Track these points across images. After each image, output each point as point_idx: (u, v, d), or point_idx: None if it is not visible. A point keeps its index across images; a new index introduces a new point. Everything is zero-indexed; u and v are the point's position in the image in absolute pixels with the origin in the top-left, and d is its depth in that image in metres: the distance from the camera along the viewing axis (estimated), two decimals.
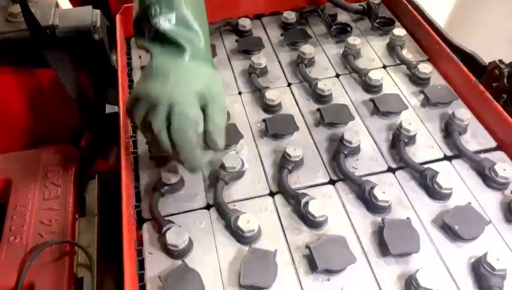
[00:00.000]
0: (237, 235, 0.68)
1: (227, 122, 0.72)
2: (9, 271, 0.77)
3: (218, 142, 0.66)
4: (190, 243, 0.67)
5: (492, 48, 0.80)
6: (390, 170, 0.78)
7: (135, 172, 0.79)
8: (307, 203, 0.69)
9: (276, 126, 0.84)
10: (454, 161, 0.79)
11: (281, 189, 0.75)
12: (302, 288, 0.63)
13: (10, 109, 1.01)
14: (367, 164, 0.79)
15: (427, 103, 0.89)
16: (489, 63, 0.93)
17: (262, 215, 0.71)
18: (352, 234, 0.69)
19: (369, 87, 0.92)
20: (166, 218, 0.70)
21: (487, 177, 0.75)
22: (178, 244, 0.65)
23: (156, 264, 0.66)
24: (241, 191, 0.76)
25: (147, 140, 0.74)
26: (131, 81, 0.98)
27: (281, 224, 0.71)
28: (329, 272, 0.64)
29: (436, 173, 0.73)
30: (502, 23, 0.95)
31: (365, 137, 0.83)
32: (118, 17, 1.04)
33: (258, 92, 0.92)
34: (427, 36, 1.00)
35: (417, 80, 0.94)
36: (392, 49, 1.02)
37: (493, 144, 0.82)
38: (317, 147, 0.82)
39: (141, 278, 0.65)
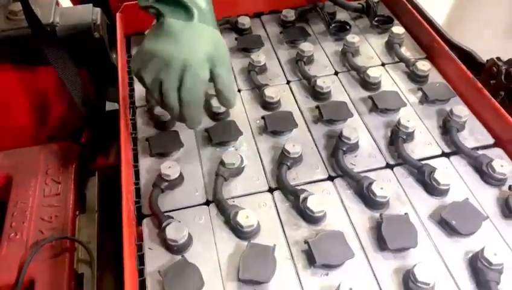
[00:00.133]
0: (236, 230, 0.69)
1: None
2: (9, 267, 0.77)
3: (231, 99, 0.72)
4: (189, 238, 0.67)
5: (490, 46, 0.81)
6: (389, 166, 0.79)
7: (135, 168, 0.80)
8: (305, 198, 0.70)
9: (275, 123, 0.84)
10: (452, 158, 0.80)
11: (279, 185, 0.76)
12: (300, 283, 0.64)
13: (10, 106, 1.02)
14: (365, 160, 0.80)
15: (425, 100, 0.90)
16: (487, 60, 0.94)
17: (261, 211, 0.72)
18: (351, 229, 0.70)
19: (368, 84, 0.93)
20: (166, 214, 0.71)
21: (485, 173, 0.75)
22: (177, 239, 0.65)
23: (156, 259, 0.67)
24: (240, 187, 0.76)
25: (150, 97, 0.75)
26: (131, 78, 0.99)
27: (280, 220, 0.71)
28: (328, 267, 0.64)
29: (434, 169, 0.74)
30: (501, 21, 0.95)
31: (364, 134, 0.84)
32: (118, 15, 1.05)
33: (257, 90, 0.93)
34: (426, 34, 1.00)
35: (415, 78, 0.94)
36: (390, 47, 1.02)
37: (491, 140, 0.82)
38: (316, 144, 0.83)
39: (141, 273, 0.65)
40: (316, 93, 0.91)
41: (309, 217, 0.69)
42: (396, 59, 1.00)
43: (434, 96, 0.89)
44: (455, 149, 0.80)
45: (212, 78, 0.69)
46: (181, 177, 0.76)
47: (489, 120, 0.85)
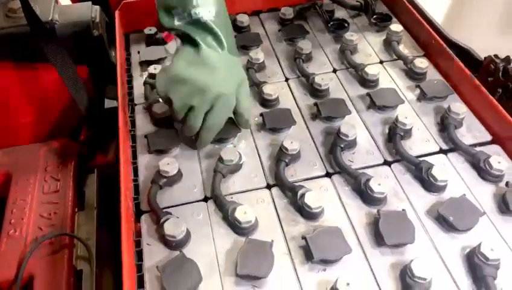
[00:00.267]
0: (234, 226, 0.69)
1: None
2: (9, 263, 0.78)
3: (249, 121, 0.79)
4: (188, 234, 0.68)
5: (488, 43, 0.81)
6: (386, 163, 0.79)
7: (134, 165, 0.80)
8: (303, 195, 0.70)
9: (274, 120, 0.85)
10: (449, 154, 0.80)
11: (277, 182, 0.76)
12: (298, 278, 0.64)
13: (10, 104, 1.02)
14: (363, 157, 0.80)
15: (423, 97, 0.90)
16: (485, 58, 0.94)
17: (259, 208, 0.72)
18: (348, 225, 0.70)
19: (366, 82, 0.93)
20: (165, 210, 0.71)
21: (482, 169, 0.75)
22: (176, 235, 0.66)
23: (154, 255, 0.67)
24: (238, 183, 0.76)
25: (173, 115, 0.76)
26: (130, 76, 0.99)
27: (278, 216, 0.71)
28: (325, 262, 0.64)
29: (432, 165, 0.74)
30: (499, 18, 0.96)
31: (362, 131, 0.84)
32: (117, 13, 1.05)
33: (255, 87, 0.93)
34: (424, 32, 1.01)
35: (413, 75, 0.94)
36: (388, 44, 1.03)
37: (488, 137, 0.83)
38: (314, 141, 0.83)
39: (139, 268, 0.66)
40: (314, 91, 0.91)
41: (307, 213, 0.70)
42: (395, 57, 1.00)
43: (432, 94, 0.89)
44: (453, 146, 0.81)
45: (236, 103, 0.75)
46: (179, 174, 0.76)
47: (487, 117, 0.85)
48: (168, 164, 0.75)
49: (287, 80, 0.97)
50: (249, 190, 0.76)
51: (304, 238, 0.65)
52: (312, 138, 0.84)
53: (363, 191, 0.72)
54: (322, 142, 0.83)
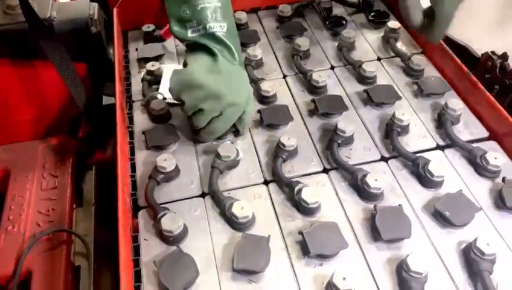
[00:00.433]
0: (231, 221, 0.69)
1: None
2: (7, 259, 0.78)
3: (248, 127, 0.84)
4: (185, 229, 0.68)
5: (486, 40, 0.81)
6: (383, 159, 0.79)
7: (131, 161, 0.80)
8: (300, 190, 0.70)
9: (271, 116, 0.85)
10: (446, 150, 0.80)
11: (275, 177, 0.76)
12: (294, 273, 0.64)
13: (8, 101, 1.02)
14: (360, 153, 0.80)
15: (420, 93, 0.90)
16: (482, 54, 0.94)
17: (256, 203, 0.72)
18: (345, 220, 0.70)
19: (364, 78, 0.93)
20: (162, 206, 0.71)
21: (478, 165, 0.76)
22: (173, 230, 0.66)
23: (151, 250, 0.67)
24: (235, 179, 0.77)
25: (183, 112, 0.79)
26: (128, 73, 1.00)
27: (275, 211, 0.72)
28: (322, 257, 0.65)
29: (428, 161, 0.74)
30: (496, 16, 0.96)
31: (359, 127, 0.84)
32: (115, 11, 1.05)
33: (253, 84, 0.93)
34: None
35: (411, 72, 0.95)
36: (386, 41, 1.03)
37: (485, 133, 0.83)
38: (311, 137, 0.83)
39: (136, 263, 0.66)
40: (312, 87, 0.91)
41: (303, 209, 0.70)
42: (392, 54, 1.00)
43: (429, 90, 0.89)
44: (450, 142, 0.81)
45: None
46: (177, 170, 0.77)
47: (484, 114, 0.85)
48: (166, 160, 0.75)
49: (284, 76, 0.97)
50: (246, 186, 0.76)
51: (300, 233, 0.65)
52: (309, 134, 0.84)
53: (359, 187, 0.72)
54: (319, 139, 0.83)
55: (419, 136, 0.83)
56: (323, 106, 0.86)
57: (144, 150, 0.82)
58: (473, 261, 0.63)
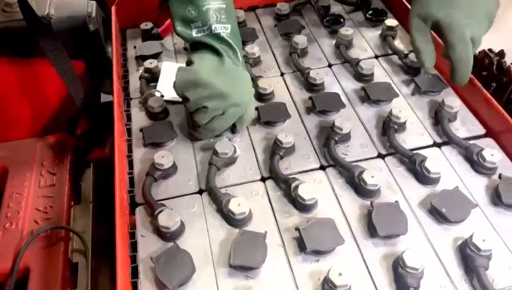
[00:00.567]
0: (228, 218, 0.69)
1: None
2: (5, 256, 0.78)
3: (245, 127, 0.84)
4: (182, 225, 0.68)
5: (483, 37, 0.81)
6: (380, 156, 0.79)
7: (129, 158, 0.81)
8: (296, 187, 0.70)
9: (269, 114, 0.85)
10: (443, 148, 0.80)
11: (272, 174, 0.76)
12: (291, 269, 0.64)
13: (6, 98, 1.02)
14: (357, 150, 0.80)
15: (417, 91, 0.90)
16: (479, 52, 0.94)
17: (253, 200, 0.73)
18: (342, 217, 0.70)
19: (361, 76, 0.93)
20: (159, 202, 0.71)
21: (475, 162, 0.76)
22: (170, 227, 0.66)
23: (149, 246, 0.67)
24: (233, 176, 0.77)
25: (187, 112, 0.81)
26: (126, 71, 1.00)
27: (272, 208, 0.72)
28: (318, 253, 0.65)
29: (425, 158, 0.74)
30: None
31: (356, 124, 0.84)
32: (113, 8, 1.05)
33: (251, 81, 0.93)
34: None
35: (408, 69, 0.95)
36: (384, 39, 1.03)
37: (482, 131, 0.83)
38: (308, 134, 0.83)
39: (133, 259, 0.66)
40: (310, 85, 0.92)
41: (300, 205, 0.70)
42: (390, 51, 1.01)
43: (426, 88, 0.89)
44: (446, 139, 0.81)
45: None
46: (174, 167, 0.77)
47: (481, 111, 0.85)
48: (163, 157, 0.75)
49: (282, 74, 0.97)
50: (244, 183, 0.76)
51: (297, 229, 0.65)
52: (307, 132, 0.84)
53: (356, 184, 0.72)
54: (317, 136, 0.83)
55: (416, 133, 0.83)
56: (321, 103, 0.86)
57: (142, 147, 0.82)
58: (469, 257, 0.63)
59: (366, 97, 0.89)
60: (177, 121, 0.86)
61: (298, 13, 1.14)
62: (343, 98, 0.89)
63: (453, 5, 0.78)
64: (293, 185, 0.71)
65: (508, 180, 0.72)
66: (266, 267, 0.64)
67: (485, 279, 0.60)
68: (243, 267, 0.63)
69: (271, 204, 0.72)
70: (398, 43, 1.02)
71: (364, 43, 1.04)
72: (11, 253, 0.79)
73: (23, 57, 1.01)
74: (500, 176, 0.73)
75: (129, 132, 0.86)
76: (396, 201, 0.70)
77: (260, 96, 0.90)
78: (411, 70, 0.95)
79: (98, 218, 0.89)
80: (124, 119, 0.87)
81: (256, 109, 0.86)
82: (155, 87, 0.93)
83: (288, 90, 0.93)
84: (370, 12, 1.09)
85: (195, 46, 0.77)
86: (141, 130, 0.83)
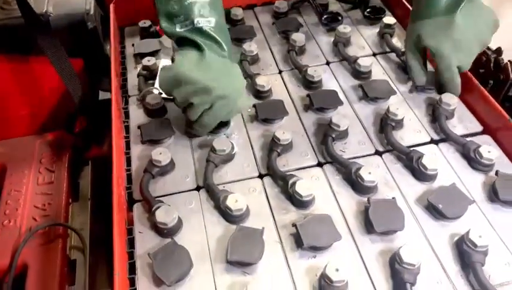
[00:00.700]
0: (226, 214, 0.69)
1: None
2: (3, 253, 0.78)
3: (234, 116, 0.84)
4: (179, 221, 0.68)
5: None
6: (378, 153, 0.80)
7: (127, 155, 0.81)
8: (294, 183, 0.70)
9: (266, 111, 0.85)
10: (440, 145, 0.81)
11: (269, 171, 0.76)
12: (288, 265, 0.65)
13: (4, 96, 1.02)
14: (355, 147, 0.80)
15: (415, 89, 0.91)
16: None
17: (251, 196, 0.73)
18: (339, 213, 0.70)
19: (359, 73, 0.94)
20: (157, 199, 0.72)
21: (472, 159, 0.76)
22: (167, 223, 0.66)
23: (146, 242, 0.67)
24: (230, 173, 0.77)
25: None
26: (124, 69, 1.00)
27: (269, 204, 0.72)
28: (315, 249, 0.65)
29: (422, 154, 0.74)
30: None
31: (354, 121, 0.85)
32: (111, 6, 1.06)
33: (249, 79, 0.93)
34: None
35: (406, 67, 0.95)
36: (382, 37, 1.03)
37: (479, 128, 0.83)
38: (306, 131, 0.84)
39: (131, 255, 0.66)
40: (307, 82, 0.92)
41: (297, 202, 0.70)
42: (388, 49, 1.01)
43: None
44: (444, 136, 0.81)
45: (234, 105, 0.78)
46: (172, 164, 0.77)
47: (478, 108, 0.86)
48: (161, 154, 0.75)
49: (280, 72, 0.97)
50: (241, 180, 0.76)
51: (294, 225, 0.66)
52: (304, 129, 0.84)
53: (353, 180, 0.73)
54: (314, 133, 0.83)
55: (413, 130, 0.83)
56: (318, 100, 0.86)
57: (140, 144, 0.83)
58: (466, 253, 0.63)
59: (363, 95, 0.89)
60: (175, 118, 0.86)
61: (296, 11, 1.14)
62: (341, 96, 0.89)
63: (444, 35, 0.81)
64: (291, 181, 0.71)
65: (504, 177, 0.72)
66: (263, 263, 0.64)
67: (481, 275, 0.61)
68: (240, 263, 0.63)
69: (268, 201, 0.72)
70: (396, 41, 1.02)
71: (362, 41, 1.04)
72: (9, 250, 0.79)
73: (21, 54, 1.01)
74: (497, 173, 0.73)
75: (127, 129, 0.86)
76: (393, 197, 0.70)
77: (258, 93, 0.90)
78: None
79: (96, 215, 0.89)
80: (122, 117, 0.88)
81: (254, 106, 0.86)
82: (153, 84, 0.93)
83: (286, 88, 0.93)
84: (368, 10, 1.09)
85: (180, 43, 0.77)
86: (139, 127, 0.83)
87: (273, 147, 0.78)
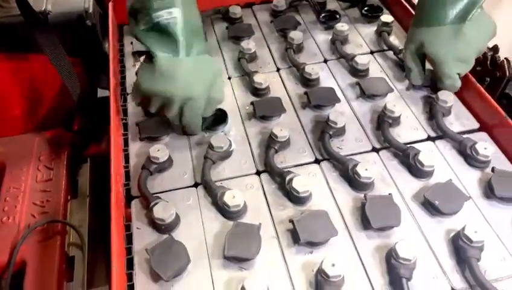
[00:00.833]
0: (223, 210, 0.70)
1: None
2: (2, 250, 0.78)
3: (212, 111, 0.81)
4: (177, 217, 0.69)
5: None
6: (375, 150, 0.80)
7: (125, 152, 0.81)
8: (291, 179, 0.71)
9: (264, 108, 0.86)
10: (437, 142, 0.81)
11: (267, 168, 0.77)
12: (285, 260, 0.65)
13: (3, 94, 1.03)
14: (352, 144, 0.81)
15: (412, 86, 0.91)
16: None
17: (248, 193, 0.73)
18: (335, 209, 0.71)
19: (356, 71, 0.94)
20: (155, 195, 0.72)
21: (468, 155, 0.76)
22: (165, 219, 0.66)
23: (144, 238, 0.68)
24: (228, 170, 0.77)
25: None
26: (123, 67, 1.00)
27: (266, 201, 0.72)
28: (312, 244, 0.65)
29: (419, 151, 0.75)
30: (487, 8, 0.96)
31: (351, 119, 0.85)
32: (110, 4, 1.06)
33: (247, 77, 0.94)
34: None
35: (403, 65, 0.95)
36: (379, 35, 1.04)
37: (476, 125, 0.84)
38: (303, 128, 0.84)
39: (129, 251, 0.67)
40: (305, 80, 0.92)
41: (294, 198, 0.71)
42: (385, 47, 1.01)
43: None
44: (440, 133, 0.82)
45: (209, 99, 0.77)
46: (170, 160, 0.77)
47: (475, 105, 0.86)
48: (159, 151, 0.76)
49: (278, 70, 0.98)
50: (239, 176, 0.76)
51: (291, 221, 0.66)
52: (302, 126, 0.85)
53: (350, 177, 0.73)
54: (312, 130, 0.84)
55: (410, 127, 0.83)
56: (316, 98, 0.87)
57: (138, 141, 0.83)
58: (461, 249, 0.63)
59: (361, 92, 0.89)
60: None
61: (294, 9, 1.14)
62: (338, 93, 0.89)
63: (448, 44, 0.81)
64: (288, 178, 0.71)
65: (500, 173, 0.73)
66: (260, 258, 0.64)
67: (476, 270, 0.61)
68: (237, 259, 0.64)
69: (266, 197, 0.73)
70: (394, 39, 1.03)
71: (359, 39, 1.04)
72: (8, 247, 0.79)
73: (19, 52, 1.01)
74: (493, 169, 0.74)
75: (125, 126, 0.86)
76: (389, 194, 0.70)
77: (256, 91, 0.91)
78: None
79: (94, 212, 0.90)
80: (120, 114, 0.88)
81: (252, 103, 0.86)
82: None
83: (284, 85, 0.94)
84: (366, 8, 1.10)
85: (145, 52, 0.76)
86: (137, 124, 0.84)
87: (270, 144, 0.78)
